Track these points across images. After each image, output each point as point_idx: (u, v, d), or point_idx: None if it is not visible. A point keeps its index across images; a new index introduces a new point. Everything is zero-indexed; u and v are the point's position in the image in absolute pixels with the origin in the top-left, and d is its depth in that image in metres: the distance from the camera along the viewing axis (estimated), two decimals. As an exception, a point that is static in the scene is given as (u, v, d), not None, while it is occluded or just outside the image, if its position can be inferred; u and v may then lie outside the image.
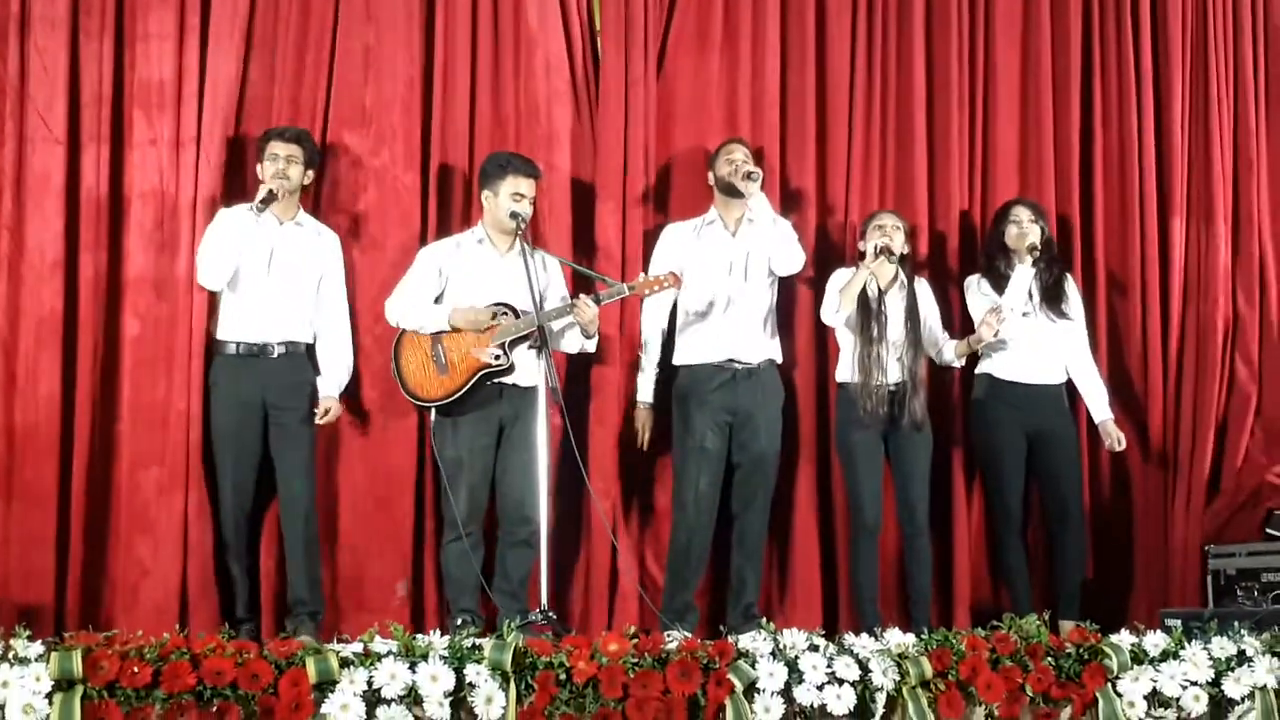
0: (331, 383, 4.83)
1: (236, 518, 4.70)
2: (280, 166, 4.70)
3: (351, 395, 5.01)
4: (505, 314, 4.73)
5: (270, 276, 4.73)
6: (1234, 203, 5.93)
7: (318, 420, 4.76)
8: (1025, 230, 5.22)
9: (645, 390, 5.11)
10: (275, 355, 4.72)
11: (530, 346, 4.65)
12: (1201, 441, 5.68)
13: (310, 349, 4.84)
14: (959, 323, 5.47)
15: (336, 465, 5.03)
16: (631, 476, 5.23)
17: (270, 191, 4.64)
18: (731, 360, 5.00)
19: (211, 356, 4.80)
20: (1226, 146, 5.94)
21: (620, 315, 5.21)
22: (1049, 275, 5.30)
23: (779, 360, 5.14)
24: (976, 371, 5.33)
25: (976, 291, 5.32)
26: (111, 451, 4.88)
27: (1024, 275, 5.18)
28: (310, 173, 4.84)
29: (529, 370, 4.73)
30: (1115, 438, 5.34)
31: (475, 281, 4.83)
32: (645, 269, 5.13)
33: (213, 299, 4.82)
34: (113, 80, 4.98)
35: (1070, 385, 5.36)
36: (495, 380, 4.73)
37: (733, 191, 5.05)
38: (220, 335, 4.75)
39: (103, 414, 4.88)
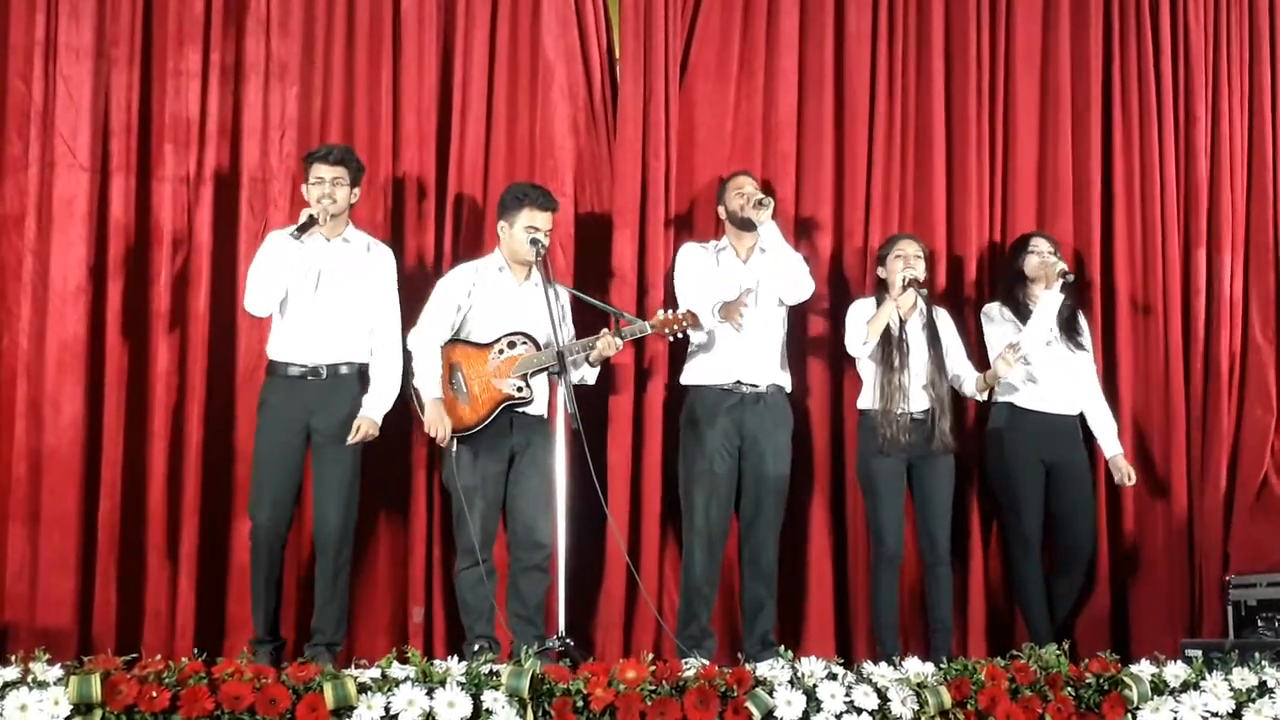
0: (373, 403, 4.70)
1: (270, 538, 4.63)
2: (326, 190, 4.67)
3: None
4: (525, 343, 4.74)
5: (319, 296, 4.68)
6: (1246, 232, 5.91)
7: (349, 440, 4.65)
8: (1048, 260, 5.23)
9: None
10: (325, 377, 4.66)
11: (550, 374, 4.69)
12: (1214, 474, 5.65)
13: (364, 370, 4.74)
14: (976, 351, 5.44)
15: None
16: (647, 502, 5.22)
17: (311, 217, 4.61)
18: (739, 383, 5.01)
19: (225, 383, 4.83)
20: (1239, 176, 5.93)
21: (634, 344, 5.20)
22: (1067, 306, 5.30)
23: (788, 389, 5.13)
24: (995, 400, 5.32)
25: (999, 319, 5.32)
26: (138, 479, 4.91)
27: (1052, 301, 5.17)
28: (357, 191, 4.79)
29: (540, 398, 4.77)
30: (1125, 473, 5.33)
31: (494, 309, 4.83)
32: (665, 295, 5.17)
33: (222, 328, 4.84)
34: (139, 111, 5.04)
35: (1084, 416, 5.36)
36: (518, 410, 4.74)
37: (744, 224, 5.07)
38: (274, 356, 4.71)
39: (132, 441, 4.91)
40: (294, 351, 4.67)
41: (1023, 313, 5.24)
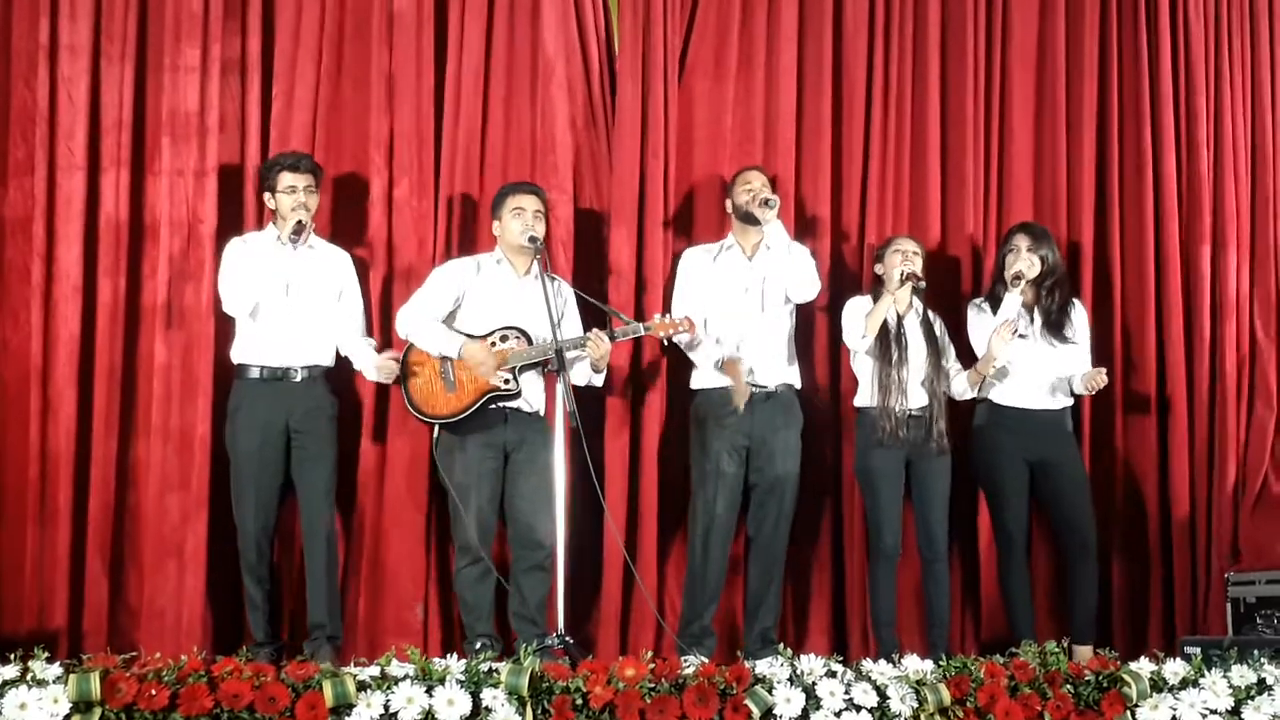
0: (367, 358, 4.81)
1: (259, 541, 4.71)
2: (301, 198, 4.74)
3: (366, 415, 5.06)
4: (518, 338, 4.75)
5: (289, 301, 4.75)
6: (1251, 230, 5.90)
7: (388, 380, 4.77)
8: (1017, 258, 5.21)
9: (715, 353, 5.01)
10: (298, 379, 4.74)
11: (544, 372, 4.69)
12: (1221, 472, 5.65)
13: (330, 372, 4.85)
14: (965, 349, 5.43)
15: (354, 485, 5.05)
16: (644, 502, 5.22)
17: (299, 222, 4.71)
18: (747, 384, 5.01)
19: (230, 380, 4.81)
20: (1242, 173, 5.91)
21: (632, 344, 5.22)
22: (1051, 300, 5.26)
23: (798, 385, 5.14)
24: (977, 398, 5.30)
25: (977, 315, 5.30)
26: (134, 476, 4.93)
27: (1010, 303, 5.15)
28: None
29: (534, 395, 4.78)
30: (1091, 374, 5.17)
31: (492, 302, 4.85)
32: (664, 294, 5.16)
33: (227, 324, 4.84)
34: (133, 106, 5.05)
35: (1071, 411, 5.34)
36: (500, 404, 4.75)
37: (750, 219, 5.07)
38: (241, 360, 4.77)
39: (125, 438, 4.92)
40: (268, 355, 4.74)
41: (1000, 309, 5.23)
